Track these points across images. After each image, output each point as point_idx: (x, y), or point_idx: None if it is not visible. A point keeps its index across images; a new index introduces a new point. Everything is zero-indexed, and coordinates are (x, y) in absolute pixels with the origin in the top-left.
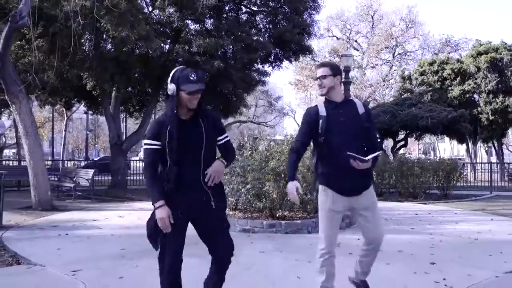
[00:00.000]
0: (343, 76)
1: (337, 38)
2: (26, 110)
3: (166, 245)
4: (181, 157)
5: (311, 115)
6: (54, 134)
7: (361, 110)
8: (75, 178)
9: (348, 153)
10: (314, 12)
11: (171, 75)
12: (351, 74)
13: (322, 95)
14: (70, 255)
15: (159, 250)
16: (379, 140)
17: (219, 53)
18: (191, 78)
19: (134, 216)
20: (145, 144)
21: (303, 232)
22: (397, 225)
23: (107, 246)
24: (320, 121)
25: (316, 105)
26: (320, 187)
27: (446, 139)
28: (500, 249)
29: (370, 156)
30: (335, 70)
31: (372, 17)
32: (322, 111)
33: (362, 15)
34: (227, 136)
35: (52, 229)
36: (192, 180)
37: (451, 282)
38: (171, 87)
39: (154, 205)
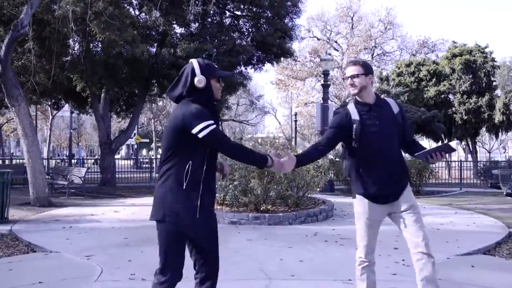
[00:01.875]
0: (323, 79)
1: (318, 39)
2: (25, 112)
3: (171, 262)
4: (213, 153)
5: (342, 120)
6: (37, 132)
7: (395, 109)
8: (68, 176)
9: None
10: (295, 17)
11: (196, 66)
12: (331, 74)
13: (354, 95)
14: (79, 244)
15: (160, 265)
16: None
17: (203, 56)
18: (216, 66)
19: (128, 211)
20: (211, 124)
21: (284, 224)
22: None
23: (111, 236)
24: (354, 125)
25: (346, 109)
26: (357, 196)
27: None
28: (457, 237)
29: (453, 143)
30: (367, 68)
31: (352, 18)
32: (355, 115)
33: (342, 16)
34: None
35: (55, 222)
36: (214, 181)
37: (408, 262)
38: (201, 79)
39: (267, 165)
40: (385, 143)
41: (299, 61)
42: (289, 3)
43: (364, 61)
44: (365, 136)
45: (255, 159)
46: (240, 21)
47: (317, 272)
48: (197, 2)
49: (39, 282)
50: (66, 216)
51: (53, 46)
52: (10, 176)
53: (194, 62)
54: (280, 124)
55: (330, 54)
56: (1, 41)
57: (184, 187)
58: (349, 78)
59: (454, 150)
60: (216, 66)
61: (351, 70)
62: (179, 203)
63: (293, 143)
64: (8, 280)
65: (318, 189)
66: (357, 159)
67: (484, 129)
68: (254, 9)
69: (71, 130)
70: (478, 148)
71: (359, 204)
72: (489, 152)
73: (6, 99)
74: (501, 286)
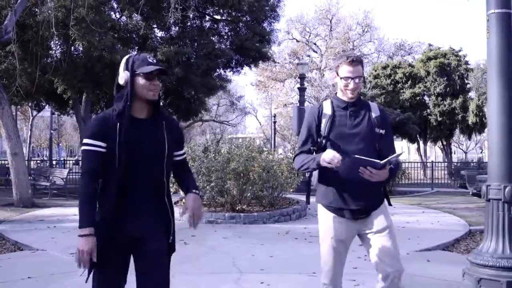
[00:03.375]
0: (300, 83)
1: (297, 41)
2: (9, 115)
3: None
4: (132, 167)
5: (313, 115)
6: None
7: (375, 113)
8: (50, 177)
9: (355, 155)
10: (274, 21)
11: (123, 62)
12: (310, 75)
13: (353, 98)
14: (64, 242)
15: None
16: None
17: (183, 59)
18: (150, 60)
19: None
20: (85, 144)
21: (258, 223)
22: None
23: None
24: (323, 120)
25: (320, 103)
26: (320, 208)
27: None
28: (419, 235)
29: (385, 160)
30: (363, 67)
31: (330, 21)
32: (328, 110)
33: (321, 19)
34: (184, 153)
35: (39, 222)
36: (143, 202)
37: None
38: (124, 75)
39: (79, 229)
40: (356, 146)
41: (278, 62)
42: (267, 8)
43: (360, 57)
44: (334, 135)
45: (80, 212)
46: (220, 24)
47: (285, 266)
48: (176, 6)
49: (29, 277)
50: (50, 216)
51: (35, 49)
52: None
53: (124, 58)
54: (261, 124)
55: (309, 56)
56: None
57: (97, 209)
58: (352, 80)
59: (382, 169)
60: (152, 61)
61: (356, 71)
62: (96, 230)
63: (270, 144)
64: None
65: (292, 190)
66: None
67: (458, 130)
68: (233, 14)
69: (52, 131)
70: (455, 149)
71: (323, 219)
72: (465, 153)
73: None
74: (452, 278)
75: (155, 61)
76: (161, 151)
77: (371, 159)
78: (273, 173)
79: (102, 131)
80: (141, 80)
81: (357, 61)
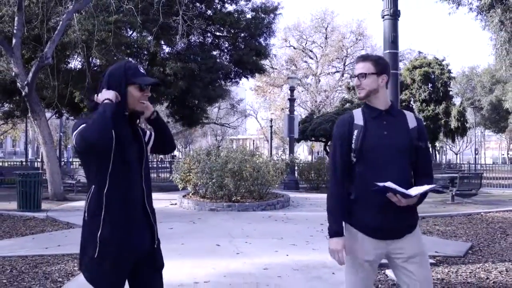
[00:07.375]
0: (290, 94)
1: (294, 48)
2: (45, 124)
3: None
4: (126, 174)
5: (343, 125)
6: (27, 137)
7: (412, 123)
8: (75, 176)
9: (385, 184)
10: (269, 37)
11: (111, 71)
12: (307, 81)
13: (360, 98)
14: None
15: None
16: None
17: (188, 72)
18: (142, 70)
19: None
20: (78, 127)
21: (249, 210)
22: (312, 205)
23: None
24: (355, 131)
25: (351, 112)
26: (345, 226)
27: None
28: None
29: (418, 191)
30: (380, 66)
31: (326, 29)
32: (359, 119)
33: (317, 27)
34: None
35: (77, 211)
36: (136, 210)
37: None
38: (107, 93)
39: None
40: (392, 160)
41: (276, 69)
42: (263, 25)
43: (379, 56)
44: (366, 148)
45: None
46: (220, 40)
47: (263, 235)
48: (183, 32)
49: None
50: (83, 207)
51: (60, 65)
52: (41, 176)
53: (108, 70)
54: (261, 126)
55: (306, 62)
56: (25, 60)
57: (86, 218)
58: (356, 78)
59: (410, 198)
60: (144, 72)
61: (359, 68)
62: (82, 237)
63: (266, 149)
64: (68, 240)
65: (277, 186)
66: (351, 177)
67: (442, 134)
68: (232, 31)
69: (61, 133)
70: (448, 150)
71: (349, 237)
72: (456, 154)
73: (30, 114)
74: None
75: (144, 72)
76: (141, 158)
77: (403, 191)
78: (262, 172)
79: None
80: (134, 91)
81: (361, 58)
